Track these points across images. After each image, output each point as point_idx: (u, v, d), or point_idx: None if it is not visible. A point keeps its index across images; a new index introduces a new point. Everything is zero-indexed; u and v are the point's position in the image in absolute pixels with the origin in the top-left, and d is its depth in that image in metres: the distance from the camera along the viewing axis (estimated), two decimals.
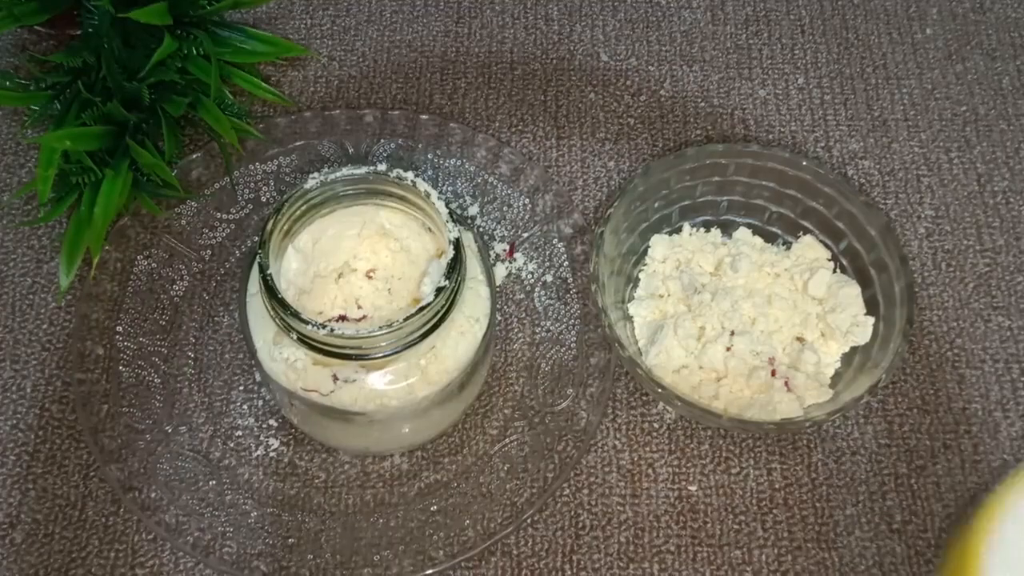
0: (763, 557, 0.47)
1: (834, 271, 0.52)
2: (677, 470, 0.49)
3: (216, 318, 0.52)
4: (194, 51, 0.54)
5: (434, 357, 0.44)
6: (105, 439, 0.48)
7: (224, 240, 0.54)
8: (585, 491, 0.48)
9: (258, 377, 0.51)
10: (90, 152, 0.50)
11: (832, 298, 0.51)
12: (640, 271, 0.53)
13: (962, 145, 0.58)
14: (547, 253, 0.54)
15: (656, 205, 0.53)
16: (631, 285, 0.53)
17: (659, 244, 0.53)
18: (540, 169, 0.56)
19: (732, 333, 0.50)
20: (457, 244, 0.43)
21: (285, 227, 0.44)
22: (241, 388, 0.50)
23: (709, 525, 0.47)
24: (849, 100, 0.60)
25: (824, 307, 0.51)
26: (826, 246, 0.52)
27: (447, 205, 0.44)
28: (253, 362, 0.47)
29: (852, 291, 0.50)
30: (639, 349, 0.51)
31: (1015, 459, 0.49)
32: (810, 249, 0.52)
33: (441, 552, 0.46)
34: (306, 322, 0.41)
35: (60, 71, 0.53)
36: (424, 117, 0.57)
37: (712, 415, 0.46)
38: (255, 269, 0.44)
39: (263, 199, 0.55)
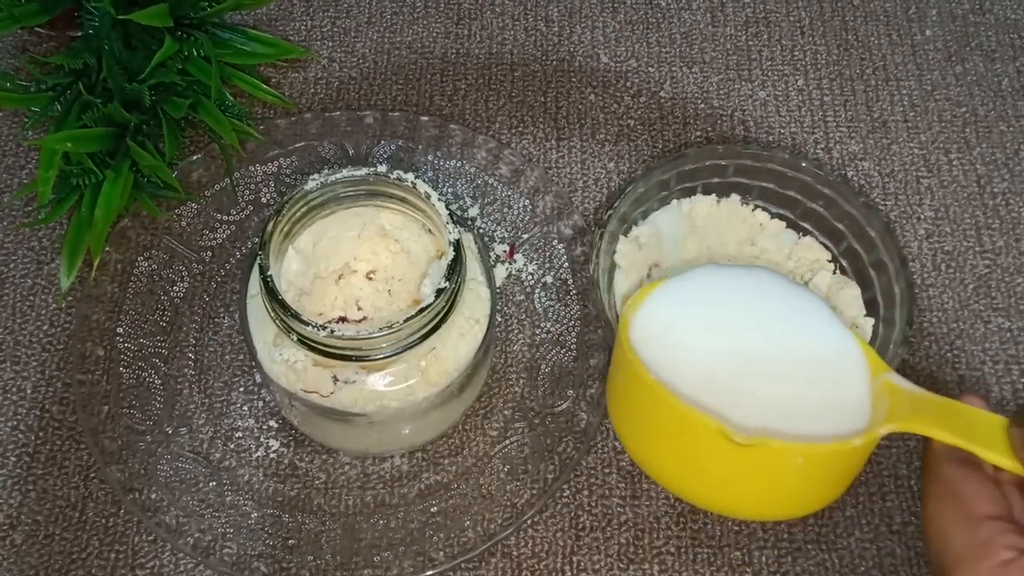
0: (763, 558, 0.47)
1: (834, 272, 0.52)
2: None
3: (216, 319, 0.52)
4: (195, 53, 0.54)
5: (434, 358, 0.44)
6: (105, 440, 0.48)
7: (224, 241, 0.54)
8: (585, 492, 0.48)
9: (258, 378, 0.51)
10: (91, 154, 0.51)
11: (832, 299, 0.51)
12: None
13: (962, 146, 0.58)
14: (547, 254, 0.54)
15: (656, 207, 0.53)
16: None
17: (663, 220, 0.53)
18: (540, 170, 0.56)
19: None
20: (457, 245, 0.43)
21: (285, 228, 0.44)
22: (241, 389, 0.50)
23: (709, 526, 0.47)
24: (849, 101, 0.60)
25: None
26: (826, 247, 0.52)
27: (447, 206, 0.44)
28: (253, 363, 0.47)
29: (852, 292, 0.50)
30: None
31: None
32: (810, 250, 0.52)
33: (441, 553, 0.46)
34: (306, 323, 0.41)
35: (61, 72, 0.53)
36: (424, 119, 0.57)
37: None
38: (255, 270, 0.44)
39: (263, 200, 0.55)
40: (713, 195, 0.53)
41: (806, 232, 0.53)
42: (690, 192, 0.53)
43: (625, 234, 0.52)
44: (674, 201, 0.53)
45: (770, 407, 0.41)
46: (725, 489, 0.42)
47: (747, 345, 0.43)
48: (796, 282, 0.45)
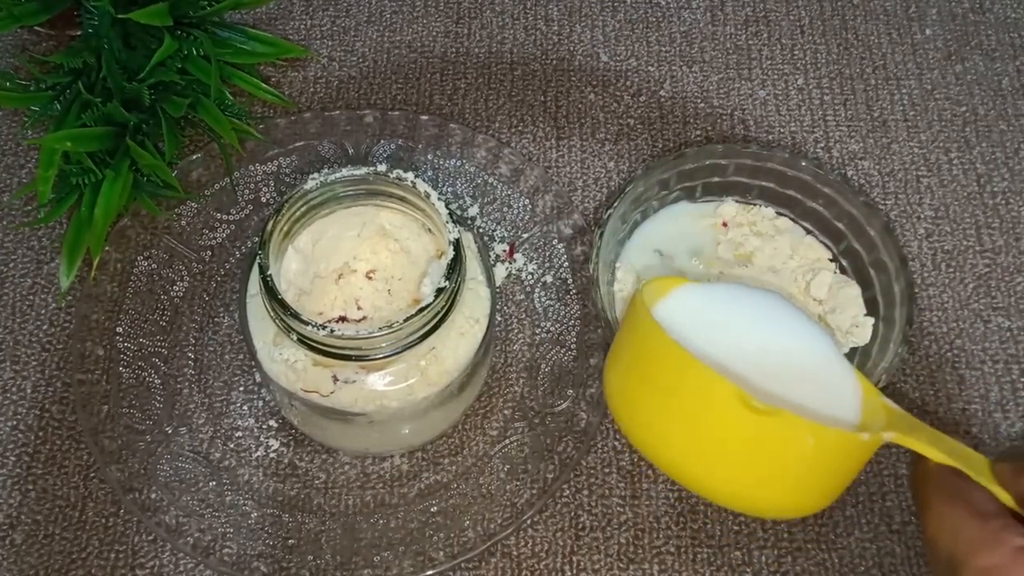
0: (763, 558, 0.47)
1: (834, 272, 0.52)
2: None
3: (216, 319, 0.52)
4: (194, 52, 0.54)
5: (434, 358, 0.44)
6: (105, 440, 0.48)
7: (224, 241, 0.54)
8: (585, 492, 0.48)
9: (258, 378, 0.51)
10: (90, 153, 0.50)
11: (832, 299, 0.51)
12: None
13: (962, 146, 0.58)
14: (547, 254, 0.54)
15: (656, 206, 0.53)
16: None
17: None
18: (540, 170, 0.56)
19: None
20: (457, 245, 0.43)
21: (285, 228, 0.44)
22: (241, 389, 0.50)
23: (709, 526, 0.47)
24: (849, 101, 0.60)
25: (824, 308, 0.51)
26: (826, 247, 0.52)
27: (447, 206, 0.44)
28: (253, 363, 0.47)
29: (852, 292, 0.50)
30: None
31: None
32: (812, 249, 0.52)
33: (441, 553, 0.46)
34: (306, 323, 0.41)
35: (60, 72, 0.53)
36: (424, 118, 0.57)
37: None
38: (255, 270, 0.44)
39: (263, 200, 0.55)
40: (726, 196, 0.53)
41: (806, 231, 0.53)
42: (691, 191, 0.53)
43: (630, 235, 0.52)
44: (683, 202, 0.53)
45: None
46: (729, 469, 0.41)
47: (746, 359, 0.43)
48: (804, 312, 0.46)
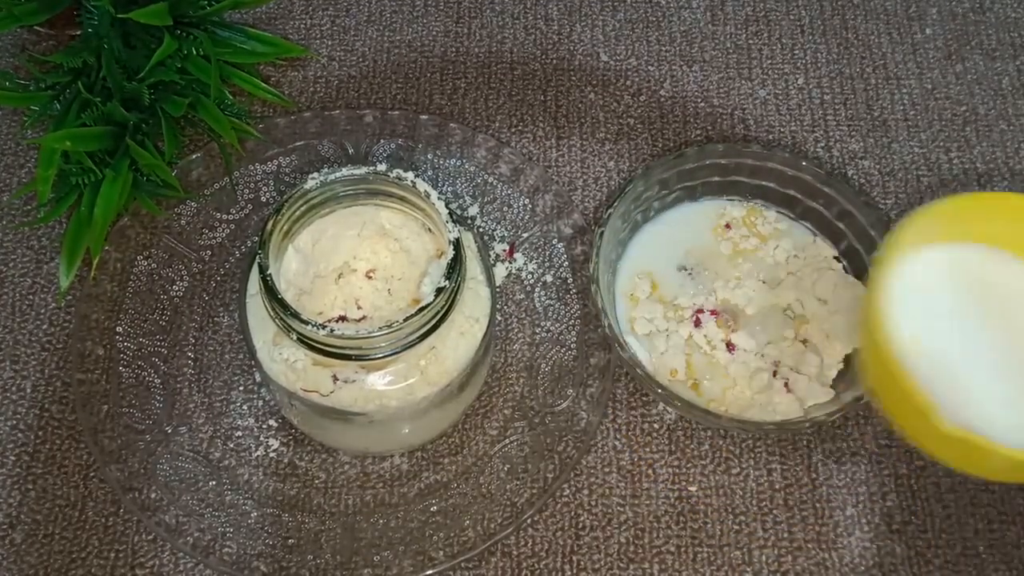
0: (763, 558, 0.47)
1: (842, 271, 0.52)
2: (677, 471, 0.49)
3: (216, 318, 0.52)
4: (194, 51, 0.54)
5: (434, 358, 0.44)
6: (105, 439, 0.48)
7: (224, 240, 0.54)
8: (585, 491, 0.48)
9: (258, 377, 0.51)
10: (90, 152, 0.50)
11: (837, 300, 0.50)
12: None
13: (962, 145, 0.58)
14: (547, 253, 0.54)
15: (656, 206, 0.53)
16: None
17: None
18: (540, 169, 0.56)
19: (732, 331, 0.50)
20: (457, 244, 0.43)
21: (285, 227, 0.44)
22: (241, 388, 0.50)
23: (709, 526, 0.47)
24: (849, 100, 0.60)
25: (828, 308, 0.51)
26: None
27: (447, 205, 0.44)
28: (253, 362, 0.47)
29: (855, 292, 0.50)
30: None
31: None
32: (818, 250, 0.52)
33: (441, 552, 0.46)
34: (306, 323, 0.41)
35: (60, 71, 0.53)
36: (424, 117, 0.57)
37: (712, 416, 0.46)
38: (255, 269, 0.44)
39: (263, 199, 0.55)
40: (726, 196, 0.53)
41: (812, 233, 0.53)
42: (691, 191, 0.53)
43: (631, 234, 0.52)
44: (684, 202, 0.53)
45: (991, 406, 0.40)
46: (944, 453, 0.41)
47: (1001, 337, 0.42)
48: None
